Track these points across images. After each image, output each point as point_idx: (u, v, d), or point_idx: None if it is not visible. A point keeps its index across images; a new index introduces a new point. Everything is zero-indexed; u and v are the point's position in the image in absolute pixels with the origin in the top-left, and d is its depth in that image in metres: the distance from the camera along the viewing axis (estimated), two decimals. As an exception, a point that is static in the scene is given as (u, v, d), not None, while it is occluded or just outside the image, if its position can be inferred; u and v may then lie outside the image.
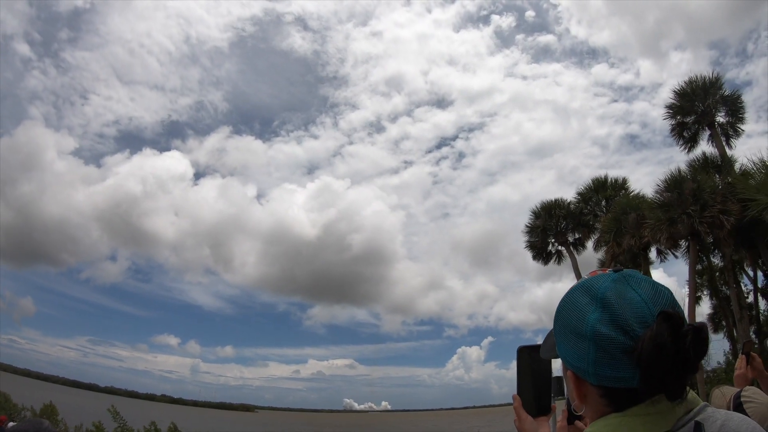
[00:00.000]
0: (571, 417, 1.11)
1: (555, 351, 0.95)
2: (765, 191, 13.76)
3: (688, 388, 0.80)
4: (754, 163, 15.04)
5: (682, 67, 69.86)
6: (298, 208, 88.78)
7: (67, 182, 79.88)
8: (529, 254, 23.54)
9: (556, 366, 1.11)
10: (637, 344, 0.76)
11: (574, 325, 0.85)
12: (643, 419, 0.79)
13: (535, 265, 23.97)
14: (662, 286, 0.83)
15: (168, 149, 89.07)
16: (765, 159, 14.78)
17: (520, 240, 23.75)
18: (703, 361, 0.80)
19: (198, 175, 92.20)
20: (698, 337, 0.76)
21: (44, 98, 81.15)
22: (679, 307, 0.81)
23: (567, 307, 0.89)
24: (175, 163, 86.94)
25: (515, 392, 1.17)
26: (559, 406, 1.24)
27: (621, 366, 0.78)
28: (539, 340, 1.16)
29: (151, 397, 71.91)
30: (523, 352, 1.16)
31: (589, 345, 0.81)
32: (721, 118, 18.50)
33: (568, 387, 0.94)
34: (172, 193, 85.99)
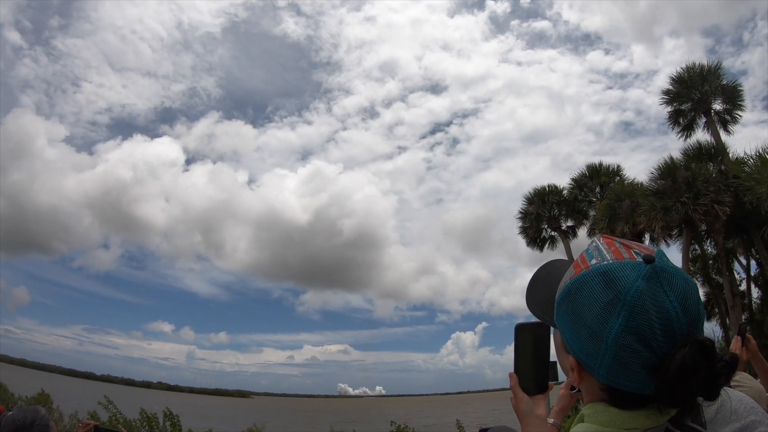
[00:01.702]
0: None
1: (548, 316, 0.90)
2: (763, 180, 13.79)
3: None
4: (757, 153, 15.06)
5: (676, 54, 69.83)
6: (289, 194, 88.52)
7: (58, 170, 79.25)
8: (521, 239, 23.67)
9: (552, 351, 1.08)
10: (662, 363, 0.69)
11: (590, 321, 0.75)
12: (646, 411, 0.76)
13: (527, 251, 24.03)
14: (691, 282, 0.75)
15: (159, 135, 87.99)
16: (761, 148, 14.84)
17: (513, 226, 23.85)
18: None
19: (189, 161, 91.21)
20: (729, 372, 0.72)
21: (36, 86, 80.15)
22: (702, 307, 0.75)
23: (583, 294, 0.77)
24: (166, 149, 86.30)
25: (512, 371, 1.14)
26: (555, 387, 1.21)
27: (636, 377, 0.72)
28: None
29: (147, 385, 72.25)
30: (521, 330, 1.12)
31: (607, 350, 0.73)
32: (717, 105, 18.50)
33: (564, 366, 0.91)
34: (162, 179, 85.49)
